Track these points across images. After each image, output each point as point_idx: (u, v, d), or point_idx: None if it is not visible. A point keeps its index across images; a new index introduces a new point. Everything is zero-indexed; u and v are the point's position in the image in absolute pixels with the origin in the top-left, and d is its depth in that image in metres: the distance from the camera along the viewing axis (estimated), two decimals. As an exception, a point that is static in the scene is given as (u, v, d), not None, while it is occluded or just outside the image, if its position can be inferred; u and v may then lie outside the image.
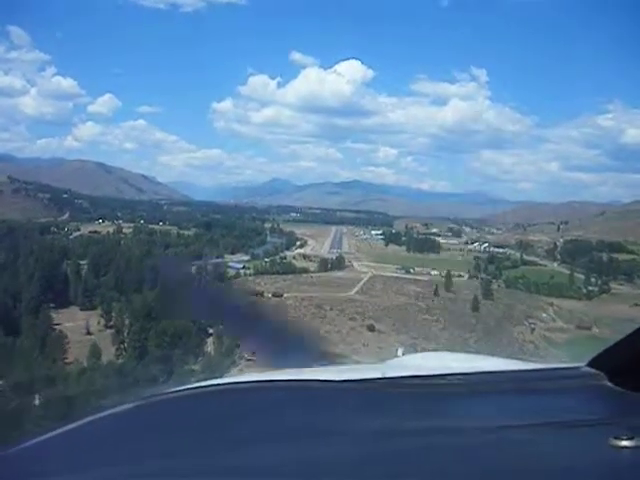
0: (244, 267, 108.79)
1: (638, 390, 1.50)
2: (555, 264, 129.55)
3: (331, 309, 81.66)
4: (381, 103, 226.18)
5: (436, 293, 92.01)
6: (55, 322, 70.95)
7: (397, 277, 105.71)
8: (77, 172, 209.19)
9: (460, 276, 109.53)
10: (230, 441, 1.33)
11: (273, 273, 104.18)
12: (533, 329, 78.15)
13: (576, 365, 1.70)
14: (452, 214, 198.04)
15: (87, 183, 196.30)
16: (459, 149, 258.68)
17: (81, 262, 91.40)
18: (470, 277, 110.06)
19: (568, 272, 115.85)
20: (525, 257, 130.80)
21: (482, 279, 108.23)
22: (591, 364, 1.65)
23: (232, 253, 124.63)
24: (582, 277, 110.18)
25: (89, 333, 69.35)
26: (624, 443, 1.14)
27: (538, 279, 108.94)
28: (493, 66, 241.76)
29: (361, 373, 1.74)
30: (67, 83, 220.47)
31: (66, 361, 56.16)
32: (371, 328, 75.44)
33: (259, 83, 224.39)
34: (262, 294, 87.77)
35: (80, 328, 70.08)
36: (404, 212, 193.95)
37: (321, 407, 1.52)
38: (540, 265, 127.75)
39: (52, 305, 76.07)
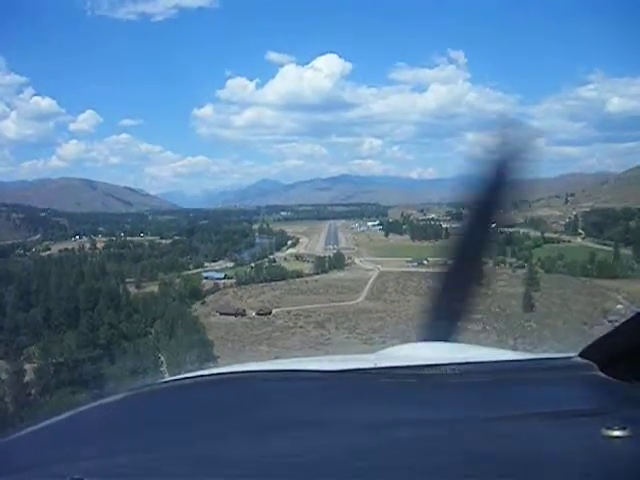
0: (225, 277, 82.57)
1: (630, 380, 1.41)
2: (579, 239, 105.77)
3: (337, 328, 55.17)
4: (362, 95, 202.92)
5: (466, 289, 65.68)
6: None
7: (410, 272, 79.52)
8: (62, 190, 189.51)
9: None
10: (221, 431, 1.25)
11: (260, 281, 77.82)
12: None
13: (568, 355, 1.60)
14: (443, 199, 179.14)
15: (72, 200, 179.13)
16: (443, 134, 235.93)
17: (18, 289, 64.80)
18: (496, 263, 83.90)
19: (597, 246, 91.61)
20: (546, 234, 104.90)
21: (511, 265, 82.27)
22: (583, 354, 1.55)
23: (214, 260, 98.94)
24: (627, 252, 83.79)
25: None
26: (616, 433, 1.08)
27: (577, 258, 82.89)
28: (470, 47, 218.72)
29: (353, 363, 1.64)
30: (46, 103, 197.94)
31: None
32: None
33: (238, 85, 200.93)
34: (244, 312, 61.18)
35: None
36: (395, 202, 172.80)
37: (313, 397, 1.43)
38: (564, 241, 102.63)
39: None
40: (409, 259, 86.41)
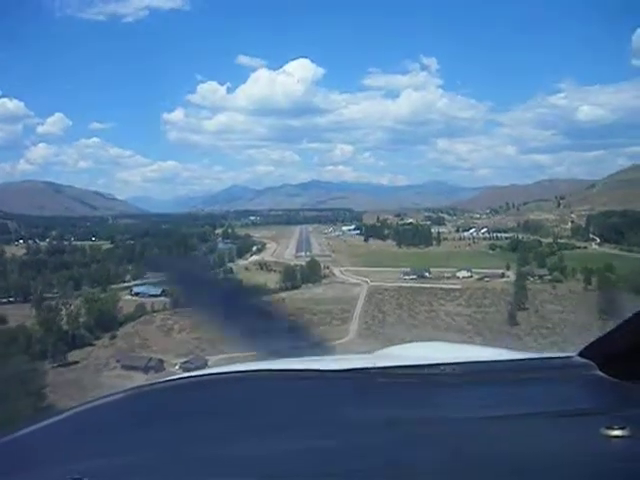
0: (163, 292, 55.51)
1: (629, 380, 1.34)
2: (594, 244, 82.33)
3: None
4: (334, 100, 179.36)
5: (512, 320, 39.89)
6: None
7: (412, 288, 53.88)
8: (25, 193, 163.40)
9: (503, 275, 58.45)
10: (220, 431, 1.19)
11: (206, 301, 50.92)
12: None
13: (567, 355, 1.52)
14: (415, 205, 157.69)
15: (36, 204, 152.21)
16: (415, 141, 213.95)
17: None
18: (520, 276, 58.24)
19: (626, 254, 69.64)
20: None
21: (542, 278, 57.07)
22: (582, 354, 1.46)
23: (157, 270, 70.98)
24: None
25: None
26: (616, 433, 1.02)
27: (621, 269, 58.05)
28: (443, 54, 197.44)
29: (352, 363, 1.57)
30: (13, 105, 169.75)
31: None
32: None
33: (209, 90, 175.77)
34: (160, 365, 34.10)
35: None
36: (367, 208, 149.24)
37: (311, 397, 1.37)
38: (578, 247, 79.32)
39: None
40: (405, 269, 60.58)
